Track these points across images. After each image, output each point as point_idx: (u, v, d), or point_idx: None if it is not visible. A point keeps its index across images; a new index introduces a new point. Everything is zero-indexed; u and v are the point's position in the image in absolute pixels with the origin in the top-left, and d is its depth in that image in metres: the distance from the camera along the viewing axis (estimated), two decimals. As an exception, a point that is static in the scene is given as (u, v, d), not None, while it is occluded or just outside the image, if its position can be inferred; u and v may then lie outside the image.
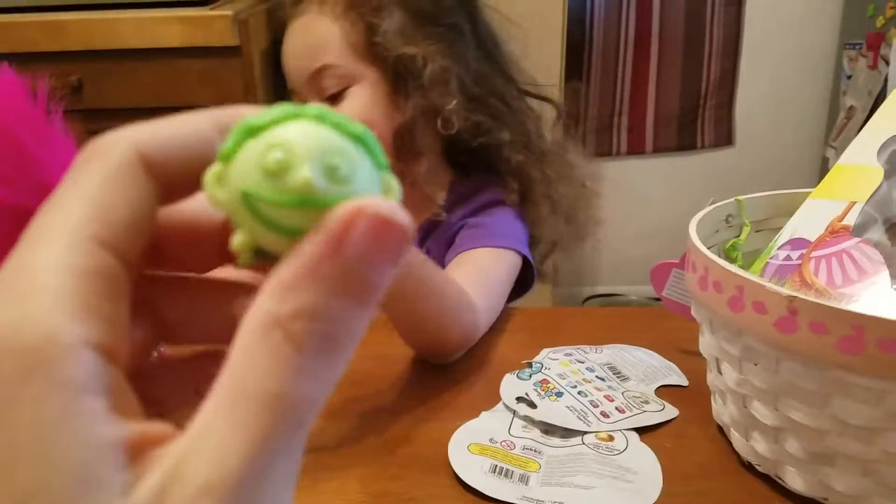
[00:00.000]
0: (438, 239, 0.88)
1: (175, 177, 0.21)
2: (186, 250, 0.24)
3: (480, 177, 0.90)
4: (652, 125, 2.30)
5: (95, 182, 0.19)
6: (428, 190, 0.88)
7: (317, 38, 0.83)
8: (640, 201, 2.36)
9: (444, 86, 0.82)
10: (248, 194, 0.19)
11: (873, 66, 2.11)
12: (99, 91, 1.52)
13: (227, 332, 0.24)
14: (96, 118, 1.53)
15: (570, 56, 1.97)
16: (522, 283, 0.83)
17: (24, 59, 1.49)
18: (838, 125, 2.24)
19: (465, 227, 0.85)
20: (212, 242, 0.23)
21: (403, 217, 0.18)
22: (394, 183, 0.20)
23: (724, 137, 2.34)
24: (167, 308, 0.24)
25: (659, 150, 2.33)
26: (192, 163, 0.21)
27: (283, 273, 0.18)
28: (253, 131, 0.19)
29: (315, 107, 0.20)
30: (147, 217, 0.20)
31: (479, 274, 0.76)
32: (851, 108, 2.19)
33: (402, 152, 0.85)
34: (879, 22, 2.07)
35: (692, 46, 2.24)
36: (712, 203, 0.59)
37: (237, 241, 0.20)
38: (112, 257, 0.19)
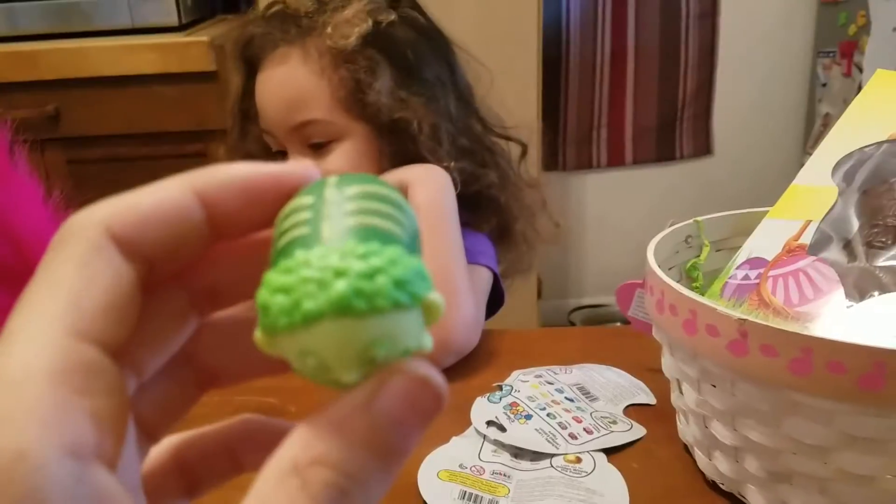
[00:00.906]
0: None
1: (154, 250, 0.20)
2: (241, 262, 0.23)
3: None
4: (631, 137, 2.31)
5: (67, 270, 0.19)
6: None
7: (303, 91, 0.81)
8: (622, 212, 2.38)
9: (437, 147, 0.82)
10: (298, 371, 0.19)
11: (847, 74, 2.13)
12: (76, 119, 1.53)
13: (267, 367, 0.23)
14: (74, 146, 1.54)
15: (547, 72, 1.99)
16: (492, 302, 0.85)
17: (-2, 91, 1.50)
18: (815, 132, 2.26)
19: None
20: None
21: (439, 381, 0.18)
22: (435, 304, 0.19)
23: (703, 147, 2.36)
24: (206, 355, 0.24)
25: (638, 161, 2.34)
26: (170, 234, 0.20)
27: (312, 422, 0.18)
28: (281, 328, 0.18)
29: (337, 292, 0.18)
30: (127, 298, 0.19)
31: None
32: (827, 115, 2.21)
33: None
34: (851, 30, 2.10)
35: (668, 59, 2.26)
36: (671, 225, 0.60)
37: (297, 373, 0.20)
38: (92, 348, 0.18)
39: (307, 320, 0.18)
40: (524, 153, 0.96)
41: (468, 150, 0.86)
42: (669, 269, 0.59)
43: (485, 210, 0.89)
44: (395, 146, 0.83)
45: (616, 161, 2.33)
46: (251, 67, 0.86)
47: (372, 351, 0.18)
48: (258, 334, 0.19)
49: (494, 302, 0.87)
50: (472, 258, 0.83)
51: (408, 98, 0.81)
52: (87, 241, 0.19)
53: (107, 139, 1.53)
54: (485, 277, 0.84)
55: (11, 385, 0.17)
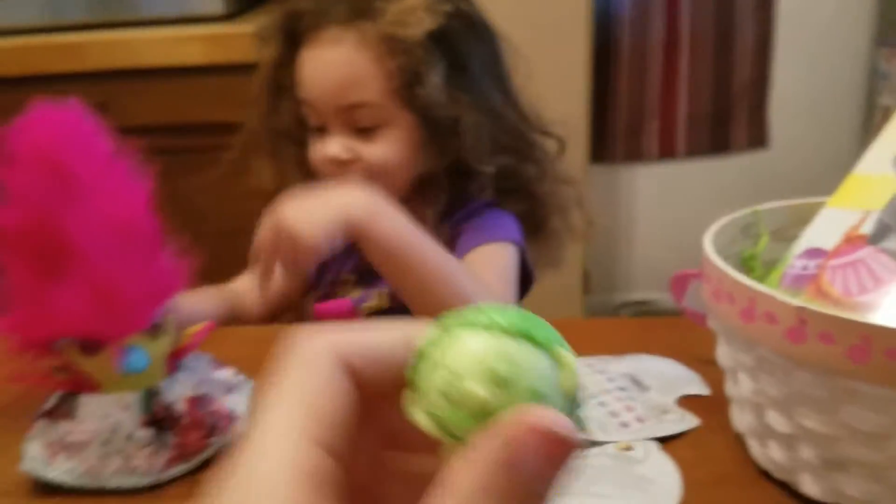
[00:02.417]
0: None
1: (369, 382, 0.23)
2: None
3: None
4: (684, 128, 2.28)
5: (311, 386, 0.22)
6: (422, 212, 0.86)
7: (357, 74, 0.80)
8: (673, 205, 2.35)
9: (479, 145, 0.82)
10: (435, 416, 0.22)
11: (909, 65, 2.07)
12: (122, 111, 1.53)
13: None
14: (120, 138, 1.55)
15: (597, 59, 1.97)
16: (522, 281, 0.85)
17: (44, 82, 1.50)
18: (875, 126, 2.21)
19: (461, 234, 0.85)
20: None
21: (571, 429, 0.20)
22: (567, 358, 0.22)
23: (758, 139, 2.31)
24: (393, 418, 0.25)
25: (691, 152, 2.31)
26: (383, 372, 0.23)
27: (460, 480, 0.20)
28: (425, 356, 0.22)
29: (471, 314, 0.22)
30: (351, 416, 0.23)
31: (490, 268, 0.79)
32: (888, 108, 2.16)
33: (415, 195, 0.86)
34: (914, 19, 2.04)
35: (723, 47, 2.22)
36: (730, 214, 0.60)
37: (444, 452, 0.22)
38: (328, 456, 0.21)
39: (454, 336, 0.22)
40: (562, 149, 0.95)
41: (509, 146, 0.86)
42: (726, 258, 0.59)
43: (521, 203, 0.88)
44: (438, 140, 0.83)
45: (667, 152, 2.30)
46: (293, 40, 0.85)
47: (499, 367, 0.21)
48: (410, 372, 0.23)
49: (523, 281, 0.86)
50: (497, 234, 0.83)
51: (459, 95, 0.81)
52: (328, 365, 0.23)
53: (153, 130, 1.54)
54: (510, 253, 0.83)
55: (267, 482, 0.20)
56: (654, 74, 2.22)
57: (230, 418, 0.61)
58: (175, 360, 0.60)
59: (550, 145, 0.93)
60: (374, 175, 0.82)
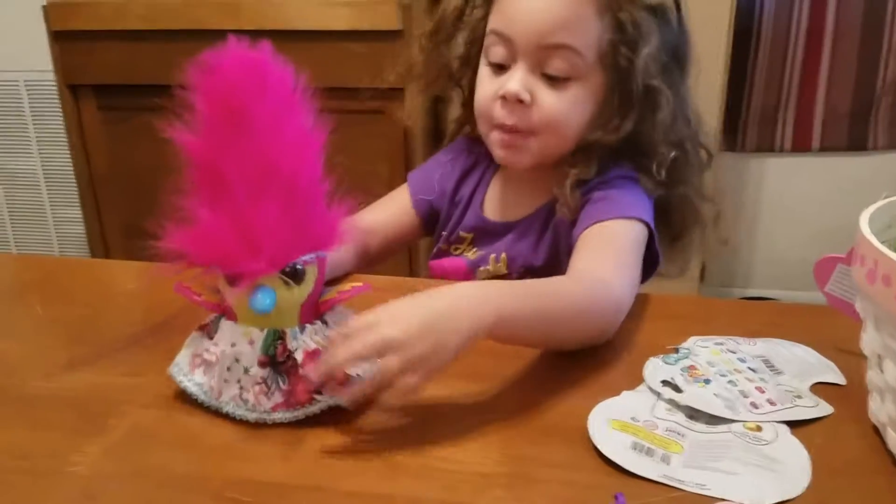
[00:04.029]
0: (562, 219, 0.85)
1: None
2: None
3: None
4: (820, 122, 2.18)
5: None
6: (564, 174, 0.83)
7: (575, 18, 0.78)
8: (801, 202, 2.26)
9: (654, 129, 0.80)
10: None
11: None
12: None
13: None
14: (307, 89, 1.63)
15: (737, 43, 1.91)
16: (647, 263, 0.80)
17: (199, 37, 1.60)
18: None
19: (590, 202, 0.81)
20: None
21: None
22: None
23: (900, 140, 2.19)
24: None
25: (826, 148, 2.20)
26: None
27: None
28: None
29: None
30: None
31: (609, 248, 0.75)
32: None
33: (573, 159, 0.83)
34: None
35: (870, 41, 2.11)
36: (886, 197, 0.57)
37: None
38: None
39: None
40: (709, 163, 0.90)
41: (678, 140, 0.82)
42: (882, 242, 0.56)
43: (661, 193, 0.84)
44: (623, 109, 0.80)
45: (801, 146, 2.20)
46: None
47: None
48: None
49: (648, 263, 0.81)
50: (625, 211, 0.79)
51: (661, 73, 0.79)
52: None
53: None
54: (638, 231, 0.78)
55: None
56: (793, 63, 2.13)
57: (345, 380, 0.58)
58: (315, 312, 0.61)
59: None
60: (541, 127, 0.80)
